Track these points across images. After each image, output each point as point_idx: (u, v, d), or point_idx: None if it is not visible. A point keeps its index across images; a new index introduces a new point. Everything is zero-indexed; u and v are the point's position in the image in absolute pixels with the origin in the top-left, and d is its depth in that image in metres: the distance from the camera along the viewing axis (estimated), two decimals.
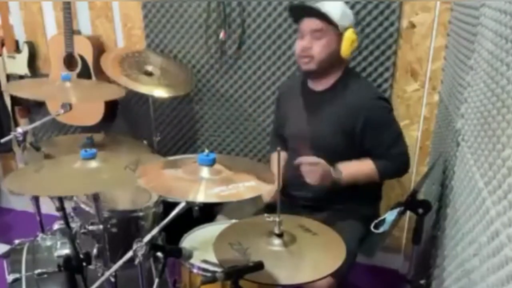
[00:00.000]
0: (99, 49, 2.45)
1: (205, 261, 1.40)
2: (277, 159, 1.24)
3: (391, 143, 1.66)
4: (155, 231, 1.17)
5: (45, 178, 1.34)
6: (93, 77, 2.40)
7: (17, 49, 2.63)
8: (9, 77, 2.63)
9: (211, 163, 1.25)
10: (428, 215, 1.50)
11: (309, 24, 1.62)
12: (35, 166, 1.40)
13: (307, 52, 1.63)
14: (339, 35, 1.61)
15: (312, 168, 1.57)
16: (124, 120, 2.59)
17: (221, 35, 2.25)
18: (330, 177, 1.58)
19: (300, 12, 1.66)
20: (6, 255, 1.66)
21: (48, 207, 2.01)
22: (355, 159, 1.64)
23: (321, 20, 1.60)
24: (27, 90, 1.99)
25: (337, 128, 1.65)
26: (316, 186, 1.59)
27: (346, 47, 1.61)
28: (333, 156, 1.63)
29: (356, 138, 1.64)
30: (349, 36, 1.61)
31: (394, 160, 1.67)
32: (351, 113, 1.62)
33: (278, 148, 1.27)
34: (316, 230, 1.34)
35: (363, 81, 1.85)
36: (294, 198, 1.75)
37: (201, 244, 1.49)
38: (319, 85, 1.72)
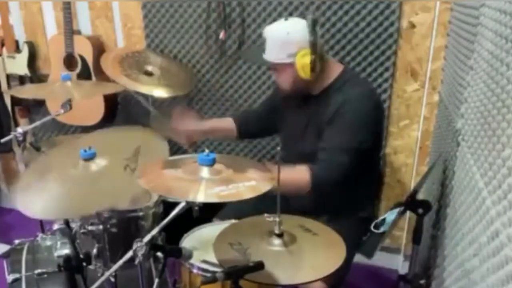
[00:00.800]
0: (99, 49, 2.45)
1: (205, 261, 1.40)
2: (277, 159, 1.24)
3: (340, 149, 1.52)
4: (155, 231, 1.17)
5: (52, 198, 1.33)
6: (93, 77, 2.40)
7: (17, 49, 2.63)
8: (9, 77, 2.63)
9: (211, 163, 1.25)
10: (428, 215, 1.50)
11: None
12: (39, 179, 1.40)
13: (277, 82, 1.68)
14: (291, 64, 1.54)
15: None
16: (124, 120, 2.59)
17: (221, 35, 2.25)
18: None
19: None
20: (6, 255, 1.66)
21: None
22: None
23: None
24: (27, 91, 1.99)
25: (323, 128, 1.61)
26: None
27: (302, 73, 1.54)
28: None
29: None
30: (299, 62, 1.52)
31: (333, 169, 1.52)
32: (328, 113, 1.57)
33: (279, 149, 1.27)
34: (316, 230, 1.34)
35: (357, 81, 1.70)
36: (289, 203, 1.75)
37: (201, 244, 1.49)
38: (314, 90, 1.67)
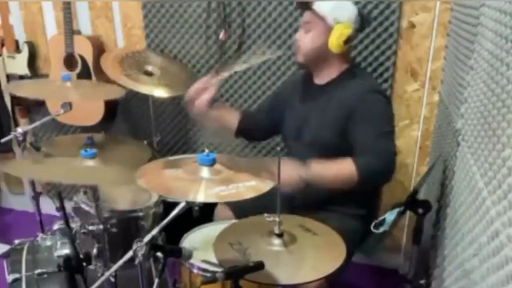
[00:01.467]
0: (99, 49, 2.45)
1: (205, 261, 1.40)
2: (277, 159, 1.24)
3: (377, 136, 1.53)
4: (155, 231, 1.17)
5: (45, 165, 1.33)
6: (93, 77, 2.40)
7: (17, 49, 2.63)
8: (9, 77, 2.63)
9: (211, 163, 1.25)
10: (428, 215, 1.50)
11: (304, 16, 1.65)
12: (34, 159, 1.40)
13: (296, 43, 1.67)
14: (329, 28, 1.58)
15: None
16: (124, 120, 2.59)
17: (221, 35, 2.25)
18: (296, 178, 1.49)
19: (300, 5, 1.69)
20: (6, 255, 1.66)
21: (48, 207, 2.02)
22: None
23: (311, 12, 1.60)
24: (27, 90, 1.99)
25: (330, 122, 1.63)
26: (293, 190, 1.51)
27: (333, 40, 1.57)
28: (328, 153, 1.60)
29: (348, 132, 1.58)
30: (338, 29, 1.56)
31: (379, 155, 1.50)
32: (343, 106, 1.59)
33: (278, 148, 1.27)
34: (316, 230, 1.34)
35: (365, 76, 1.77)
36: (289, 198, 1.75)
37: (201, 244, 1.49)
38: (321, 79, 1.70)
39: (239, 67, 1.70)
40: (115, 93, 2.05)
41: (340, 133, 1.61)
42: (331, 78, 1.67)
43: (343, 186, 1.51)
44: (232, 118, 1.89)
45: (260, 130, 1.92)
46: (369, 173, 1.49)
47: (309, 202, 1.67)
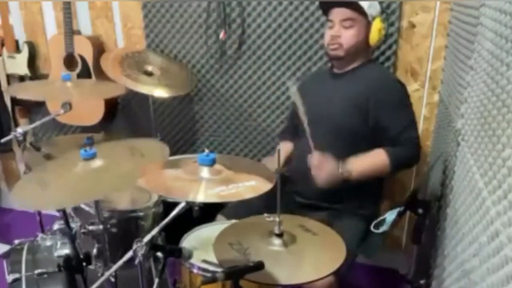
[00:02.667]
0: (99, 49, 2.45)
1: (205, 261, 1.40)
2: (277, 160, 1.24)
3: (405, 126, 1.64)
4: (155, 231, 1.17)
5: (50, 190, 1.32)
6: (93, 77, 2.40)
7: (17, 49, 2.63)
8: (9, 77, 2.63)
9: (211, 163, 1.25)
10: (428, 215, 1.50)
11: (339, 13, 1.68)
12: (37, 177, 1.39)
13: (336, 40, 1.70)
14: (368, 24, 1.68)
15: (319, 166, 1.59)
16: (124, 120, 2.59)
17: (221, 35, 2.25)
18: (337, 174, 1.58)
19: (330, 3, 1.73)
20: (6, 255, 1.66)
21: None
22: (369, 141, 1.65)
23: (352, 9, 1.66)
24: (27, 91, 1.99)
25: (351, 104, 1.68)
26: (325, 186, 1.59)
27: (374, 36, 1.68)
28: (347, 137, 1.66)
29: (370, 116, 1.65)
30: (377, 24, 1.67)
31: (407, 145, 1.64)
32: (367, 90, 1.66)
33: (278, 148, 1.27)
34: (316, 230, 1.34)
35: (385, 68, 1.97)
36: (293, 196, 1.75)
37: (201, 244, 1.49)
38: (342, 69, 1.77)
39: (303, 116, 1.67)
40: (115, 91, 2.06)
41: (360, 118, 1.66)
42: (352, 67, 1.75)
43: (377, 176, 1.67)
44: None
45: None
46: (400, 162, 1.64)
47: (315, 200, 1.68)
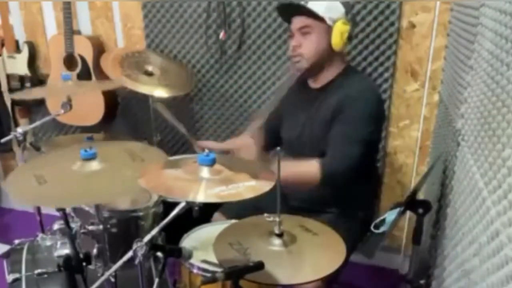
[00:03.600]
0: (99, 49, 2.45)
1: (205, 261, 1.40)
2: (277, 160, 1.24)
3: (349, 141, 1.53)
4: (155, 231, 1.17)
5: (47, 187, 1.32)
6: (93, 77, 2.40)
7: (17, 49, 2.63)
8: (9, 77, 2.63)
9: (211, 163, 1.25)
10: (428, 215, 1.50)
11: (295, 22, 1.62)
12: (35, 169, 1.39)
13: (296, 51, 1.62)
14: (328, 29, 1.57)
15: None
16: (124, 120, 2.59)
17: (221, 35, 2.25)
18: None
19: (287, 12, 1.66)
20: (6, 255, 1.66)
21: (48, 207, 2.02)
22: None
23: (307, 16, 1.58)
24: (28, 94, 2.00)
25: (322, 125, 1.62)
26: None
27: (337, 40, 1.56)
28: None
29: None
30: (339, 27, 1.56)
31: (344, 160, 1.52)
32: (333, 108, 1.58)
33: (278, 148, 1.27)
34: (316, 230, 1.34)
35: (362, 77, 1.77)
36: (285, 199, 1.75)
37: (201, 244, 1.49)
38: (317, 82, 1.69)
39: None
40: (114, 85, 2.07)
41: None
42: (328, 80, 1.66)
43: (304, 185, 1.57)
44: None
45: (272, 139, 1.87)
46: (330, 176, 1.52)
47: (307, 203, 1.67)
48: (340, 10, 1.59)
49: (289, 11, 1.64)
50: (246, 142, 1.69)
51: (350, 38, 1.60)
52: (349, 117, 1.55)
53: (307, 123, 1.70)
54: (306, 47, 1.61)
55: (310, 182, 1.55)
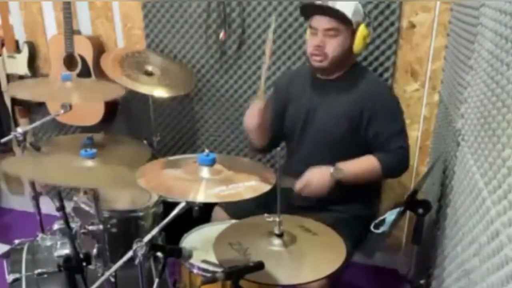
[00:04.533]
0: (99, 49, 2.45)
1: (205, 261, 1.40)
2: (278, 159, 1.24)
3: (393, 135, 1.65)
4: (155, 231, 1.17)
5: (45, 166, 1.32)
6: (93, 77, 2.40)
7: (17, 49, 2.63)
8: (9, 77, 2.63)
9: (211, 163, 1.25)
10: (428, 215, 1.50)
11: (322, 22, 1.60)
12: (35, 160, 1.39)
13: (320, 50, 1.62)
14: (353, 32, 1.61)
15: (307, 188, 1.60)
16: (124, 120, 2.59)
17: (221, 35, 2.25)
18: (330, 180, 1.59)
19: (311, 10, 1.64)
20: (6, 255, 1.66)
21: (48, 207, 2.02)
22: (359, 149, 1.65)
23: (335, 18, 1.58)
24: (28, 91, 1.99)
25: (342, 115, 1.66)
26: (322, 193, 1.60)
27: (359, 43, 1.62)
28: (336, 145, 1.65)
29: (361, 126, 1.65)
30: (362, 32, 1.61)
31: (395, 153, 1.65)
32: (361, 103, 1.64)
33: (278, 149, 1.27)
34: (316, 231, 1.34)
35: (373, 73, 1.90)
36: (288, 197, 1.75)
37: (201, 244, 1.49)
38: (328, 75, 1.72)
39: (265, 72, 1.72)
40: (115, 92, 2.06)
41: (351, 128, 1.65)
42: (339, 74, 1.70)
43: (368, 181, 1.67)
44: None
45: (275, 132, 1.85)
46: (390, 168, 1.66)
47: (309, 203, 1.67)
48: (361, 13, 1.63)
49: (314, 10, 1.63)
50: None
51: (364, 45, 1.66)
52: (387, 113, 1.66)
53: (313, 112, 1.72)
54: (331, 48, 1.61)
55: (373, 179, 1.69)
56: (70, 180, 1.43)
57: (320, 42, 1.61)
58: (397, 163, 1.67)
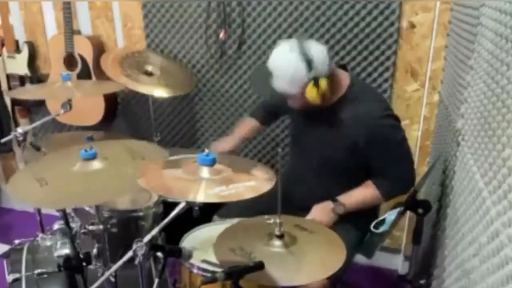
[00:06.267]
0: (99, 49, 2.45)
1: (205, 261, 1.40)
2: (278, 159, 1.24)
3: (397, 161, 1.60)
4: (155, 231, 1.17)
5: (49, 187, 1.31)
6: (93, 77, 2.40)
7: (17, 49, 2.63)
8: (9, 77, 2.63)
9: (211, 163, 1.25)
10: (428, 215, 1.50)
11: None
12: (35, 171, 1.38)
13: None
14: (302, 93, 1.53)
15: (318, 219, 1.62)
16: (124, 120, 2.59)
17: (221, 35, 2.25)
18: (332, 217, 1.62)
19: None
20: (6, 255, 1.66)
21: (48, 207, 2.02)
22: (359, 173, 1.63)
23: None
24: (28, 92, 2.00)
25: (341, 141, 1.61)
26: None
27: (312, 98, 1.53)
28: (338, 171, 1.64)
29: (360, 153, 1.59)
30: (309, 93, 1.51)
31: (400, 180, 1.61)
32: (356, 128, 1.57)
33: (279, 149, 1.27)
34: (312, 228, 1.34)
35: (372, 94, 1.73)
36: (289, 198, 1.75)
37: (201, 244, 1.49)
38: (326, 103, 1.62)
39: None
40: (115, 87, 2.09)
41: (351, 153, 1.60)
42: (335, 100, 1.62)
43: (370, 206, 1.67)
44: (251, 127, 2.04)
45: (277, 114, 2.04)
46: (390, 195, 1.65)
47: (310, 203, 1.67)
48: (302, 76, 1.50)
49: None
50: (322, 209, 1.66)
51: (323, 89, 1.52)
52: (386, 140, 1.58)
53: (314, 135, 1.70)
54: (293, 104, 1.64)
55: (374, 204, 1.70)
56: (76, 202, 1.44)
57: (289, 100, 1.63)
58: (397, 188, 1.62)
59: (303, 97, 1.54)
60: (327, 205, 1.63)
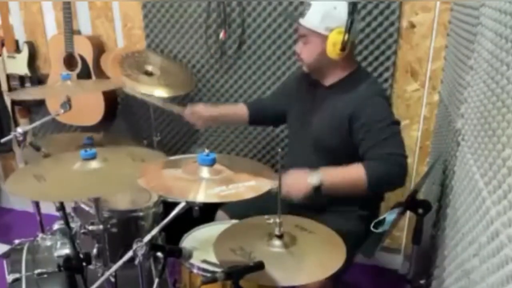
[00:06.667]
0: (99, 49, 2.45)
1: (205, 261, 1.40)
2: (278, 159, 1.24)
3: (382, 141, 1.53)
4: (155, 231, 1.17)
5: (47, 182, 1.32)
6: (93, 77, 2.40)
7: (17, 49, 2.63)
8: (9, 77, 2.63)
9: (211, 163, 1.25)
10: (428, 215, 1.50)
11: (299, 29, 1.64)
12: (34, 170, 1.39)
13: (298, 56, 1.68)
14: (324, 38, 1.56)
15: (289, 186, 1.51)
16: (124, 120, 2.59)
17: (221, 35, 2.25)
18: (306, 183, 1.52)
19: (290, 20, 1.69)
20: (6, 255, 1.66)
21: (48, 207, 2.02)
22: (352, 159, 1.59)
23: (302, 26, 1.60)
24: (28, 93, 2.00)
25: (331, 125, 1.63)
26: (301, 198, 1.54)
27: (330, 50, 1.55)
28: (332, 157, 1.63)
29: (352, 135, 1.59)
30: (332, 38, 1.54)
31: (387, 160, 1.51)
32: (344, 110, 1.59)
33: (280, 150, 1.27)
34: (311, 229, 1.34)
35: (369, 80, 1.71)
36: (288, 199, 1.75)
37: (201, 244, 1.49)
38: (324, 81, 1.71)
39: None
40: (114, 85, 2.11)
41: (342, 136, 1.61)
42: (335, 81, 1.67)
43: (354, 192, 1.54)
44: (238, 110, 1.99)
45: (269, 117, 1.97)
46: (378, 177, 1.51)
47: (309, 203, 1.67)
48: (338, 17, 1.53)
49: (291, 20, 1.68)
50: (296, 175, 1.58)
51: (344, 48, 1.54)
52: (371, 118, 1.55)
53: (310, 117, 1.72)
54: (304, 55, 1.64)
55: (358, 188, 1.53)
56: (73, 195, 1.44)
57: (298, 49, 1.67)
58: (387, 170, 1.51)
59: (320, 46, 1.56)
60: (304, 172, 1.55)
